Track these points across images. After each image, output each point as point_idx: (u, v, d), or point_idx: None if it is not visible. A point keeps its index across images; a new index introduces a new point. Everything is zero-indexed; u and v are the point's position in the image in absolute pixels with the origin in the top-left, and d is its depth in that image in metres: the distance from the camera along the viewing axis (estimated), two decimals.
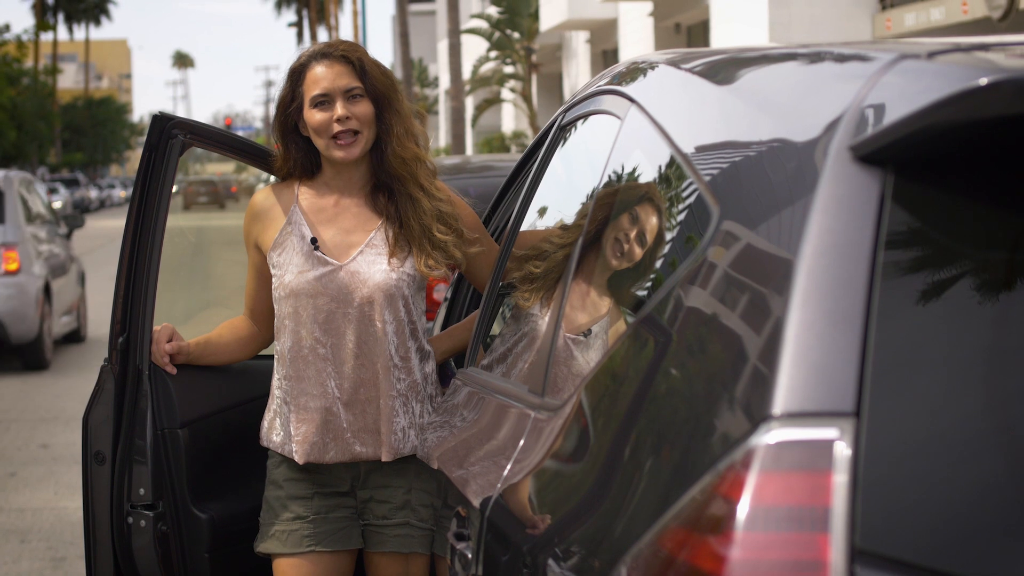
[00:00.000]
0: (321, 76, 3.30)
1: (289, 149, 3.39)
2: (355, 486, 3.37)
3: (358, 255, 3.30)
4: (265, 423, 3.41)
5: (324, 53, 3.33)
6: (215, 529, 3.44)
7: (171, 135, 3.43)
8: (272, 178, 3.56)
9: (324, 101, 3.29)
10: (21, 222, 13.07)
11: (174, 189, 3.49)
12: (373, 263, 3.29)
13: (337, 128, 3.27)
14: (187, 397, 3.45)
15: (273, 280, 3.36)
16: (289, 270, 3.31)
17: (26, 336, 12.67)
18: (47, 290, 13.23)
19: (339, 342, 3.28)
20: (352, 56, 3.31)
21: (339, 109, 3.27)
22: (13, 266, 12.73)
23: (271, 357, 3.49)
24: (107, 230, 38.65)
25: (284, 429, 3.34)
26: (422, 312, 3.37)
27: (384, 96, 3.32)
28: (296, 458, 3.31)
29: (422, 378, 3.33)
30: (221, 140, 3.60)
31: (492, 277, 3.27)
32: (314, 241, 3.31)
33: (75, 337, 14.77)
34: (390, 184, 3.34)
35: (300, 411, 3.30)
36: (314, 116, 3.30)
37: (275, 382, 3.38)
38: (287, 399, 3.33)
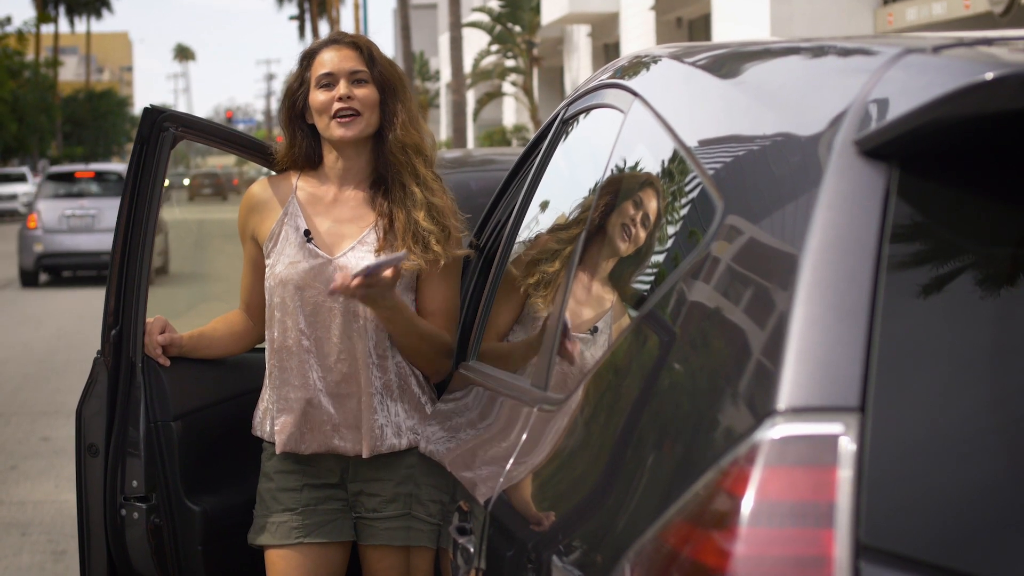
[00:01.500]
0: (328, 59, 3.36)
1: (295, 136, 3.41)
2: (345, 479, 3.38)
3: (349, 251, 3.31)
4: (258, 413, 3.42)
5: (334, 40, 3.40)
6: (208, 522, 3.44)
7: (162, 128, 3.44)
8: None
9: (329, 82, 3.33)
10: None
11: (169, 183, 3.49)
12: (363, 259, 3.29)
13: (338, 106, 3.29)
14: (180, 389, 3.46)
15: (266, 270, 3.37)
16: (281, 260, 3.34)
17: None
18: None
19: (324, 335, 3.29)
20: (361, 43, 3.39)
21: (341, 88, 3.31)
22: None
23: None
24: None
25: (272, 418, 3.35)
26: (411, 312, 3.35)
27: (390, 85, 3.35)
28: (275, 447, 3.33)
29: (399, 378, 3.32)
30: (213, 133, 3.61)
31: (494, 269, 3.26)
32: (307, 233, 3.33)
33: (163, 270, 19.67)
34: (387, 175, 3.34)
35: (281, 401, 3.33)
36: (317, 96, 3.34)
37: (267, 371, 3.39)
38: (273, 388, 3.34)
